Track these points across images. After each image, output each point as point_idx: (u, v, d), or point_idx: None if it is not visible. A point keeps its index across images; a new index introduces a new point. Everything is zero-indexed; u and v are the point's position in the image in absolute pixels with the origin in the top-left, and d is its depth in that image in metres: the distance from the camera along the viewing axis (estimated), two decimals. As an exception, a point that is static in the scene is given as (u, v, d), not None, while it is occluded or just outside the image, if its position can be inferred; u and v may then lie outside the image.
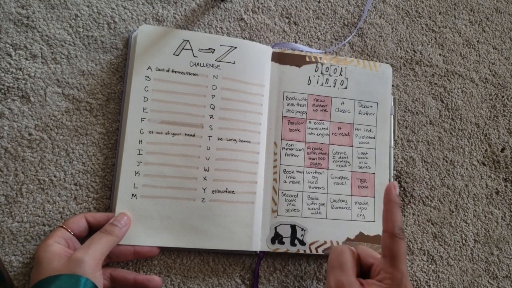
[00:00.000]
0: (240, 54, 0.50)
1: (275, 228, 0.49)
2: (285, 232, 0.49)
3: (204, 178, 0.47)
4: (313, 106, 0.53)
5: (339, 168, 0.52)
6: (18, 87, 0.46)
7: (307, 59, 0.53)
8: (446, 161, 0.57)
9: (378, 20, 0.59)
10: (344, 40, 0.57)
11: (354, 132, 0.53)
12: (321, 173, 0.52)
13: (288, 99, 0.52)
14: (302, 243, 0.50)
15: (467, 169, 0.58)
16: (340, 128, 0.53)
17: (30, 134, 0.46)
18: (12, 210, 0.45)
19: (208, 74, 0.49)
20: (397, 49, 0.59)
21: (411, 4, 0.60)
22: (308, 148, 0.52)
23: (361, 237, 0.51)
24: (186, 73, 0.49)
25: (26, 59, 0.47)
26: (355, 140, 0.53)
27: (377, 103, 0.54)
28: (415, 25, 0.60)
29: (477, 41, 0.62)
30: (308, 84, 0.53)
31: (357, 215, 0.52)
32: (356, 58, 0.56)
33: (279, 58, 0.53)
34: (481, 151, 0.59)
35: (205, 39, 0.50)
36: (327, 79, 0.53)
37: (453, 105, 0.59)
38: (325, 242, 0.50)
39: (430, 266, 0.54)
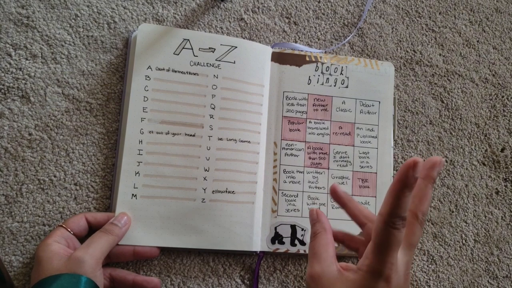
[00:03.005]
0: (240, 54, 0.50)
1: (275, 228, 0.49)
2: (285, 232, 0.49)
3: (204, 178, 0.47)
4: (313, 105, 0.53)
5: (340, 168, 0.52)
6: (18, 87, 0.46)
7: (307, 59, 0.53)
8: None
9: (378, 20, 0.59)
10: (344, 40, 0.57)
11: (355, 132, 0.53)
12: (321, 173, 0.52)
13: (288, 99, 0.52)
14: (302, 243, 0.49)
15: (467, 169, 0.58)
16: (341, 128, 0.53)
17: (30, 134, 0.46)
18: (12, 210, 0.45)
19: (209, 73, 0.49)
20: (397, 49, 0.59)
21: (411, 4, 0.60)
22: (308, 148, 0.52)
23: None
24: (187, 72, 0.49)
25: (26, 59, 0.47)
26: (356, 140, 0.53)
27: (379, 102, 0.54)
28: (415, 25, 0.60)
29: (477, 41, 0.62)
30: (308, 84, 0.53)
31: (358, 215, 0.52)
32: (356, 57, 0.56)
33: (279, 58, 0.53)
34: (481, 151, 0.59)
35: (205, 38, 0.50)
36: (328, 78, 0.53)
37: (453, 105, 0.59)
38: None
39: (430, 266, 0.54)
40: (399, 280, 0.32)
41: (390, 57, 0.58)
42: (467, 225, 0.57)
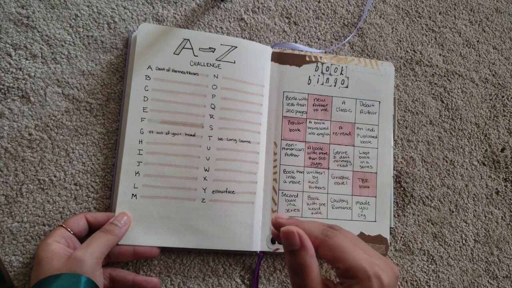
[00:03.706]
0: (240, 54, 0.50)
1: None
2: (285, 232, 0.49)
3: (204, 178, 0.47)
4: (313, 105, 0.53)
5: (340, 167, 0.52)
6: (18, 87, 0.46)
7: (307, 59, 0.53)
8: (446, 161, 0.57)
9: (378, 20, 0.59)
10: (344, 40, 0.57)
11: (355, 132, 0.53)
12: (321, 173, 0.52)
13: (288, 99, 0.52)
14: (303, 243, 0.49)
15: (467, 169, 0.58)
16: (341, 128, 0.53)
17: (30, 134, 0.46)
18: (12, 210, 0.45)
19: (209, 73, 0.49)
20: (397, 49, 0.59)
21: (411, 4, 0.60)
22: (308, 148, 0.52)
23: (362, 237, 0.51)
24: (187, 72, 0.49)
25: (26, 59, 0.47)
26: (356, 140, 0.53)
27: (379, 102, 0.54)
28: (415, 25, 0.60)
29: (477, 41, 0.62)
30: (308, 84, 0.53)
31: (358, 215, 0.52)
32: (356, 57, 0.56)
33: (279, 58, 0.53)
34: (481, 151, 0.59)
35: (206, 38, 0.50)
36: (328, 78, 0.53)
37: (453, 105, 0.59)
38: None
39: (430, 266, 0.54)
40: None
41: (390, 57, 0.58)
42: (467, 225, 0.57)
